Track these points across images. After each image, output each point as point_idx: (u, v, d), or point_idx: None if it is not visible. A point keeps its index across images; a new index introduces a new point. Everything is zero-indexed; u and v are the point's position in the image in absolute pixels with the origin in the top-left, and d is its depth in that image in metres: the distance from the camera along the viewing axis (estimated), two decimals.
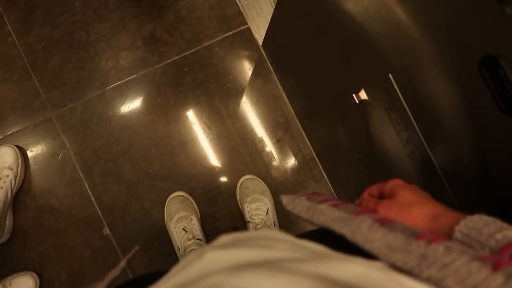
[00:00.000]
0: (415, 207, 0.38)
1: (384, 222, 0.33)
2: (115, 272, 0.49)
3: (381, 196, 0.45)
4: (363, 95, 0.73)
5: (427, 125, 0.61)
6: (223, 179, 1.25)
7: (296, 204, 0.43)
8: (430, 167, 0.63)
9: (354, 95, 0.74)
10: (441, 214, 0.37)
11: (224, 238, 0.36)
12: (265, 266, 0.25)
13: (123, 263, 0.53)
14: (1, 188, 1.12)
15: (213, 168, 1.25)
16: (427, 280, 0.26)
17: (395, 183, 0.43)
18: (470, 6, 0.43)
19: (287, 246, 0.32)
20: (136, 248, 0.62)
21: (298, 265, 0.25)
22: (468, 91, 0.50)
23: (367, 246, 0.31)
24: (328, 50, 0.86)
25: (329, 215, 0.38)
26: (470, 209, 0.35)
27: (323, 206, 0.40)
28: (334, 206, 0.39)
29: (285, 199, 0.46)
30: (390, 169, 0.79)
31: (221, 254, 0.30)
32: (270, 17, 1.12)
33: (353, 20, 0.70)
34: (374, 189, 0.46)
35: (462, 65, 0.49)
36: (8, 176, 1.14)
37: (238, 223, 1.23)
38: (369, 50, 0.69)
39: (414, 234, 0.30)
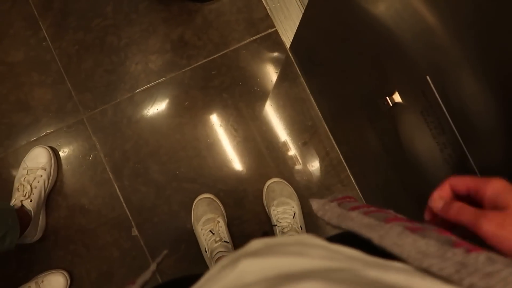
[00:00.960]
0: None
1: (416, 230, 0.32)
2: (145, 276, 0.50)
3: (470, 199, 0.34)
4: (397, 97, 0.71)
5: (465, 128, 0.60)
6: (250, 181, 1.25)
7: (326, 211, 0.42)
8: (469, 172, 0.61)
9: (387, 97, 0.72)
10: None
11: (255, 244, 0.35)
12: (310, 278, 0.25)
13: (153, 266, 0.53)
14: (35, 187, 1.15)
15: (239, 170, 1.25)
16: None
17: (501, 187, 0.31)
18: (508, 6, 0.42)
19: (321, 252, 0.31)
20: (165, 252, 0.63)
21: (337, 274, 0.25)
22: (509, 94, 0.49)
23: (396, 250, 0.30)
24: (359, 53, 0.85)
25: (358, 222, 0.37)
26: None
27: (353, 214, 0.39)
28: (365, 213, 0.38)
29: (315, 204, 0.44)
30: (424, 174, 0.77)
31: (255, 263, 0.30)
32: (299, 20, 1.12)
33: (386, 22, 0.69)
34: (461, 184, 0.35)
35: (501, 67, 0.47)
36: (42, 176, 1.18)
37: (265, 226, 1.23)
38: (404, 52, 0.67)
39: (450, 242, 0.29)
